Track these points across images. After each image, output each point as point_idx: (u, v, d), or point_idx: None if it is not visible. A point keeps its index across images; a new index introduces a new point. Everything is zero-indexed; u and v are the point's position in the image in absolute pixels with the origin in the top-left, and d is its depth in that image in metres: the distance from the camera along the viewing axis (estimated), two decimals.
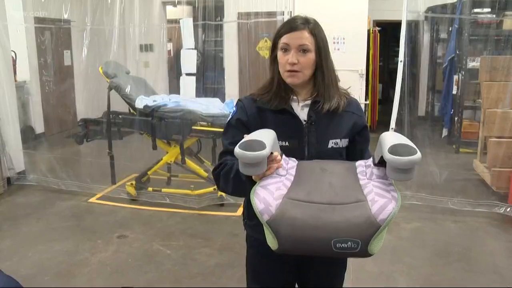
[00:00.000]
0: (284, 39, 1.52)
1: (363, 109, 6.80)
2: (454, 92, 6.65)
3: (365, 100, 7.67)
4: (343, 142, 1.59)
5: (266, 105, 1.58)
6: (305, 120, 1.57)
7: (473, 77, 6.27)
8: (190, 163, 4.58)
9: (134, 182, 4.66)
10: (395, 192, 1.26)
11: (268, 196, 1.27)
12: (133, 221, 4.16)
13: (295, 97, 1.60)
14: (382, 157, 1.26)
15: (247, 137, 1.30)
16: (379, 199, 1.23)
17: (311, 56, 1.53)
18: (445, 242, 3.76)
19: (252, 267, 1.76)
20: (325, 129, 1.57)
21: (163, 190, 4.66)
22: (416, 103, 7.98)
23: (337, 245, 1.19)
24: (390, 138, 1.27)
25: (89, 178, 4.96)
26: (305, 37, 1.51)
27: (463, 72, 6.40)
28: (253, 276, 1.76)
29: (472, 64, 6.45)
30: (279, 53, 1.54)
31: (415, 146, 1.20)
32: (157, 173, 4.83)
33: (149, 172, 4.71)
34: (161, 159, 4.64)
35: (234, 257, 3.45)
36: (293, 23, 1.54)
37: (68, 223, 4.14)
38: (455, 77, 6.61)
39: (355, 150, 1.64)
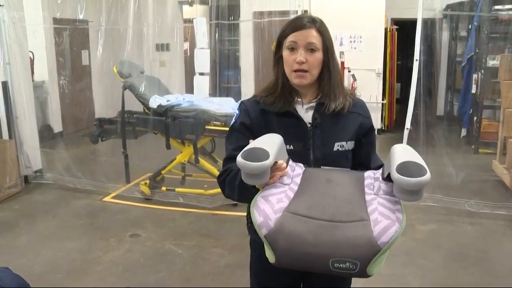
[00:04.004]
0: (291, 38, 1.48)
1: (380, 109, 6.72)
2: (473, 91, 6.52)
3: (382, 99, 7.59)
4: (349, 145, 1.55)
5: (270, 107, 1.54)
6: (309, 123, 1.53)
7: (493, 75, 6.13)
8: (204, 162, 4.58)
9: (148, 182, 4.68)
10: (400, 214, 1.20)
11: (268, 209, 1.23)
12: (146, 220, 4.18)
13: (299, 99, 1.56)
14: (390, 173, 1.22)
15: (251, 144, 1.26)
16: (382, 219, 1.18)
17: (319, 55, 1.49)
18: (461, 244, 3.68)
19: (255, 272, 1.74)
20: (330, 132, 1.53)
21: (177, 189, 4.67)
22: (434, 102, 7.85)
23: (335, 264, 1.16)
24: (400, 154, 1.22)
25: (104, 177, 5.01)
26: (313, 36, 1.47)
27: (482, 71, 6.26)
28: (256, 281, 1.74)
29: (492, 62, 6.31)
30: (286, 53, 1.50)
31: (425, 165, 1.15)
32: (172, 173, 4.84)
33: (163, 172, 4.72)
34: (175, 158, 4.66)
35: (245, 257, 3.38)
36: (299, 21, 1.49)
37: (82, 221, 4.18)
38: (474, 76, 6.48)
39: (362, 153, 1.60)
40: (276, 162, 1.27)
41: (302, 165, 1.42)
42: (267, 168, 1.21)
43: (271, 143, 1.29)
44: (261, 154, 1.20)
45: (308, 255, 1.18)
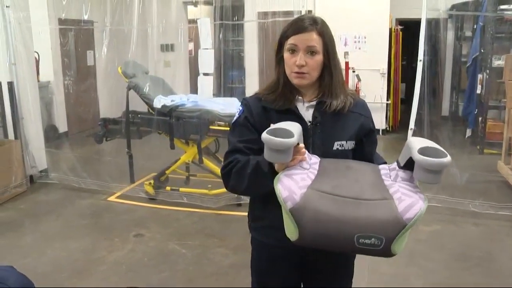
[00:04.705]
0: (291, 40, 1.48)
1: (385, 109, 6.68)
2: (478, 91, 6.49)
3: (387, 99, 7.58)
4: (349, 144, 1.55)
5: (271, 104, 1.55)
6: (310, 121, 1.54)
7: (498, 76, 6.10)
8: (208, 162, 4.59)
9: (152, 181, 4.69)
10: (422, 194, 1.24)
11: (293, 185, 1.25)
12: (150, 220, 4.20)
13: (300, 98, 1.57)
14: (407, 160, 1.24)
15: (273, 126, 1.28)
16: (406, 198, 1.21)
17: (319, 58, 1.49)
18: (465, 245, 3.67)
19: (255, 271, 1.76)
20: (330, 131, 1.53)
21: (181, 189, 4.68)
22: (439, 102, 7.84)
23: (360, 240, 1.16)
24: (419, 141, 1.26)
25: (108, 177, 5.02)
26: (314, 39, 1.47)
27: (487, 71, 6.24)
28: (257, 281, 1.75)
29: (498, 62, 6.28)
30: (286, 54, 1.51)
31: (445, 151, 1.18)
32: (176, 173, 4.86)
33: (167, 172, 4.74)
34: (179, 158, 4.67)
35: (249, 257, 3.40)
36: (301, 23, 1.49)
37: (87, 221, 4.20)
38: (479, 76, 6.46)
39: (364, 153, 1.60)
40: (298, 144, 1.29)
41: (317, 156, 1.44)
42: (292, 145, 1.23)
43: (292, 126, 1.31)
44: (285, 133, 1.23)
45: (333, 231, 1.19)
